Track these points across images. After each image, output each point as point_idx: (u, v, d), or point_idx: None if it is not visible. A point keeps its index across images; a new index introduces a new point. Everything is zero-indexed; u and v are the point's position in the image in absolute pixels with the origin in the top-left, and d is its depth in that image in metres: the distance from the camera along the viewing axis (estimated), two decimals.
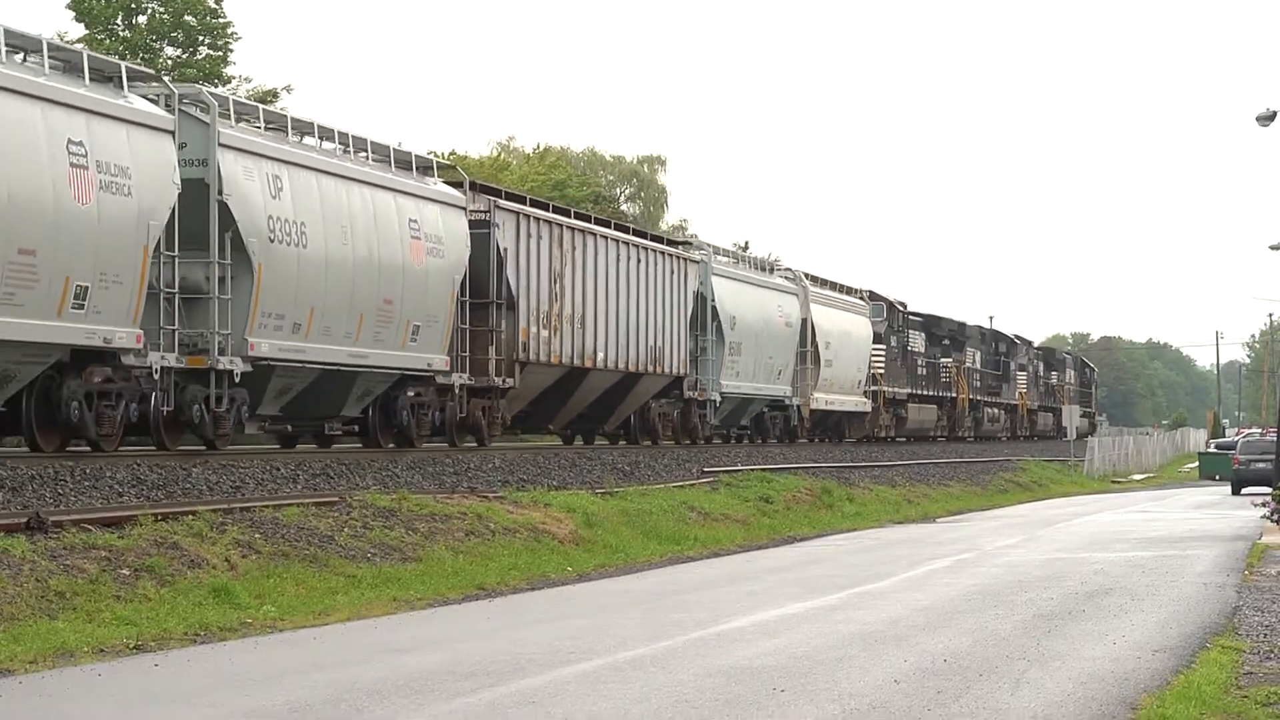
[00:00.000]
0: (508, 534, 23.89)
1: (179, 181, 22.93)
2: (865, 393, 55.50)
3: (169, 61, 50.61)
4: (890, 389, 58.67)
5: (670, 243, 42.28)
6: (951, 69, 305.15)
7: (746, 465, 39.18)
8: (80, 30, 51.07)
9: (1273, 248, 61.11)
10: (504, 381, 31.91)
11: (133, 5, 51.40)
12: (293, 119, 26.88)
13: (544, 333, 33.25)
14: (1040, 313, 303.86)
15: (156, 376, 22.75)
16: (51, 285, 20.46)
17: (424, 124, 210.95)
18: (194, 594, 16.92)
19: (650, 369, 38.49)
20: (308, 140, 27.00)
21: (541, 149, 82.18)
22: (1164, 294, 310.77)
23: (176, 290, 23.23)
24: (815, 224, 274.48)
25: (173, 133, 23.00)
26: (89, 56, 21.98)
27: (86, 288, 21.03)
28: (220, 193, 23.96)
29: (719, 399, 42.90)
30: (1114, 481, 71.00)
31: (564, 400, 36.03)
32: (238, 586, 17.50)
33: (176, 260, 23.20)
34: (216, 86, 49.85)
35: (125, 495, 20.38)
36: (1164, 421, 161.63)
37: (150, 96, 23.25)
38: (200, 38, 52.31)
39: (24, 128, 20.12)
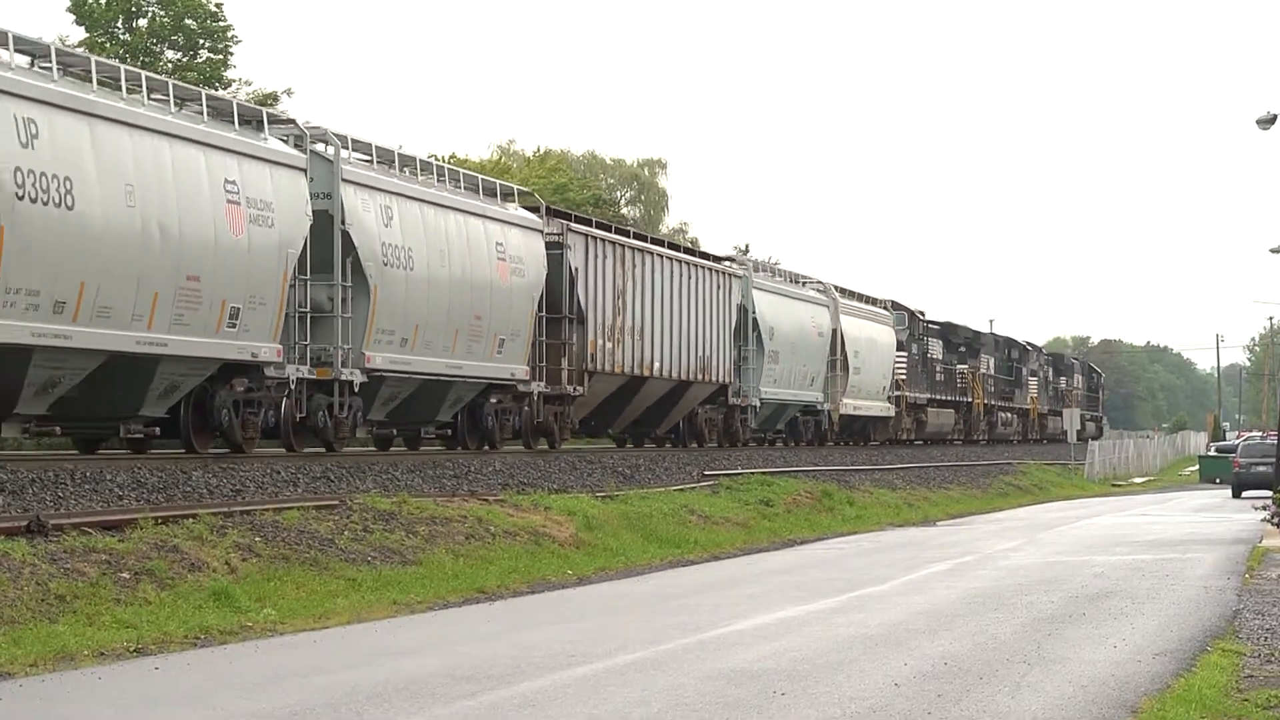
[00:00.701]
0: (508, 537, 23.89)
1: (311, 214, 25.81)
2: (889, 398, 58.26)
3: (169, 65, 50.58)
4: (912, 394, 61.58)
5: (715, 259, 44.81)
6: (951, 73, 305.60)
7: (747, 468, 39.20)
8: (80, 33, 51.06)
9: (1273, 251, 60.98)
10: (574, 389, 34.73)
11: (133, 8, 51.37)
12: (399, 154, 29.61)
13: (608, 344, 36.16)
14: (1041, 316, 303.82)
15: (293, 386, 25.81)
16: (211, 307, 23.50)
17: (424, 127, 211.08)
18: (194, 597, 16.91)
19: (699, 377, 41.24)
20: (401, 170, 29.66)
21: (542, 152, 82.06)
22: (1164, 297, 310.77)
23: (308, 310, 26.10)
24: (814, 227, 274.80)
25: (305, 170, 25.93)
26: (238, 105, 25.03)
27: (238, 309, 24.06)
28: (343, 222, 26.88)
29: (759, 404, 45.58)
30: (1114, 485, 70.98)
31: (623, 406, 38.91)
32: (238, 590, 17.49)
33: (308, 283, 26.05)
34: (216, 89, 49.83)
35: (125, 498, 20.38)
36: (1164, 425, 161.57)
37: (282, 137, 26.11)
38: (200, 41, 52.27)
39: (192, 170, 23.20)
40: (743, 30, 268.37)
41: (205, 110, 23.88)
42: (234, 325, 23.90)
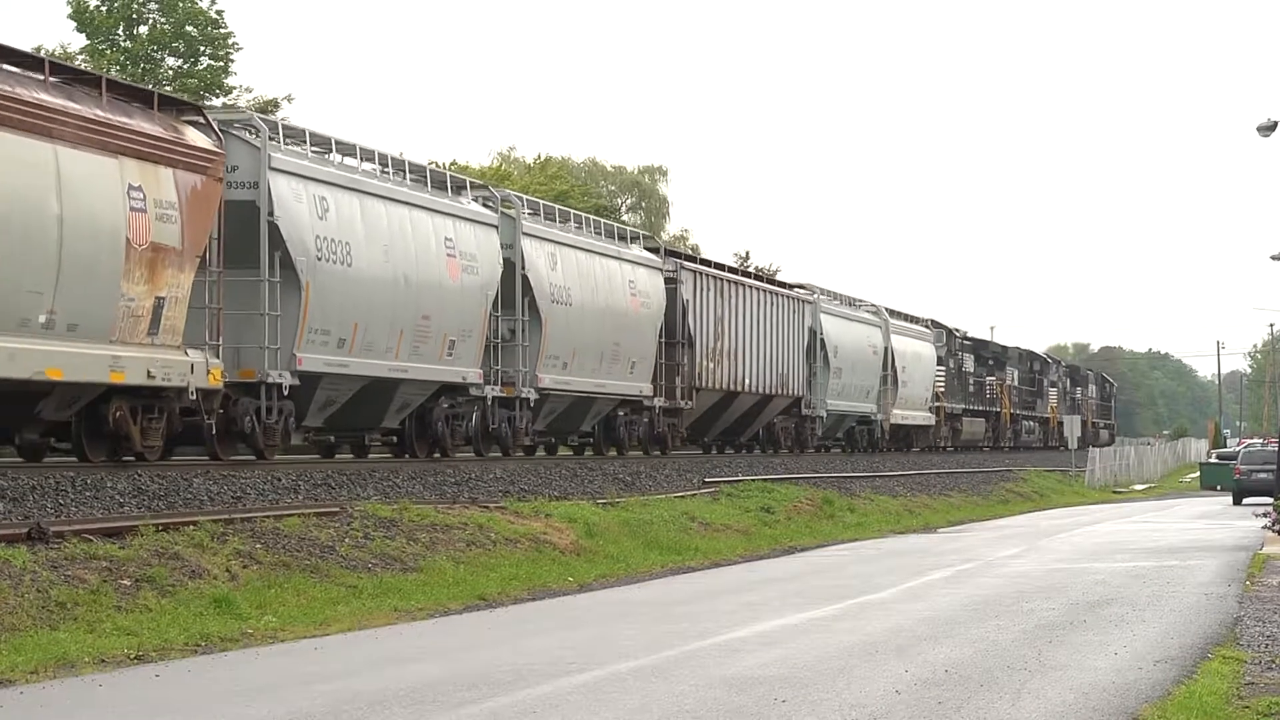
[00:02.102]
0: (509, 544, 23.88)
1: (501, 263, 31.66)
2: (930, 408, 64.95)
3: (170, 72, 50.61)
4: (949, 405, 68.49)
5: (789, 286, 51.32)
6: (953, 79, 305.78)
7: (748, 475, 39.19)
8: (82, 41, 51.13)
9: (1274, 258, 60.92)
10: (685, 404, 40.83)
11: (134, 16, 51.42)
12: (559, 210, 36.38)
13: (710, 364, 42.16)
14: (1041, 322, 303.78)
15: (489, 403, 31.39)
16: (436, 339, 29.20)
17: (425, 133, 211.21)
18: (195, 604, 16.90)
19: (778, 392, 47.47)
20: (560, 222, 35.47)
21: (543, 159, 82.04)
22: (1165, 304, 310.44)
23: (499, 340, 31.86)
24: (814, 233, 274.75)
25: (496, 227, 31.73)
26: (450, 176, 30.80)
27: (454, 341, 29.72)
28: (522, 268, 32.82)
29: (825, 415, 52.18)
30: (1115, 492, 70.97)
31: (718, 417, 44.88)
32: (239, 597, 17.48)
33: (498, 318, 31.70)
34: (217, 96, 49.86)
35: (126, 505, 20.36)
36: (1165, 431, 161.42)
37: (475, 199, 31.62)
38: (201, 48, 52.31)
39: (424, 231, 29.01)
40: (742, 38, 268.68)
41: (429, 181, 29.69)
42: (451, 354, 29.55)
